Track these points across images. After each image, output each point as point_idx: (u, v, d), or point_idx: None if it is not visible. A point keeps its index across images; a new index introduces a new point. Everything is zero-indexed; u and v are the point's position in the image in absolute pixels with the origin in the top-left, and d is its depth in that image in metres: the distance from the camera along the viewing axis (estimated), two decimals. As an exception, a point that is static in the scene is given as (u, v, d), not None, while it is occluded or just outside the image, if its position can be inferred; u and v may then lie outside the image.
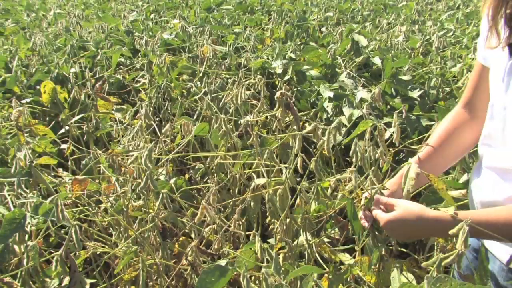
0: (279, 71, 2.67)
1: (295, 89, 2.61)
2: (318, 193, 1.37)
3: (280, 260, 1.39)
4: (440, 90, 2.52)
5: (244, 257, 1.17)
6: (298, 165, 1.37)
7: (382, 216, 1.16)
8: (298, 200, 1.52)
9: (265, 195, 1.49)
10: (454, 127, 1.35)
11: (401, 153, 2.13)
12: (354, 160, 1.32)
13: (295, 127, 1.44)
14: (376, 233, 1.26)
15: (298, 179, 1.74)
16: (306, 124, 2.31)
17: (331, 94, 2.31)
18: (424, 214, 1.10)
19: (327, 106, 2.33)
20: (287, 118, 1.69)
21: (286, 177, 1.39)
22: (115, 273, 1.50)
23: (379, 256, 1.26)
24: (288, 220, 1.41)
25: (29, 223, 1.28)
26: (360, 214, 1.28)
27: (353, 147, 1.33)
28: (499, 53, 1.13)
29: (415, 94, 2.40)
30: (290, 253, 1.39)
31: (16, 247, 1.34)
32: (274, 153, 1.97)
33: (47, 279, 1.30)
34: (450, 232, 0.99)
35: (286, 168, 1.43)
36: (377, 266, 1.30)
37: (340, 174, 1.46)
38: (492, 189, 1.18)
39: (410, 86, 2.45)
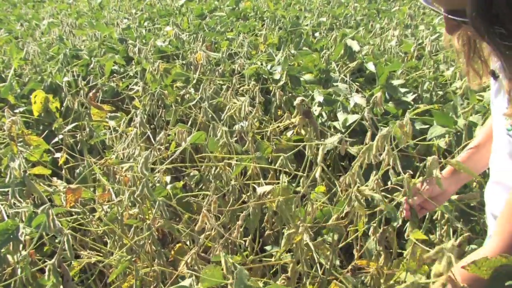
0: (277, 76, 2.67)
1: (289, 94, 2.61)
2: (351, 199, 1.36)
3: (289, 269, 1.38)
4: (434, 93, 2.53)
5: (207, 276, 1.10)
6: (317, 175, 1.36)
7: None
8: (309, 208, 1.51)
9: (268, 203, 1.47)
10: None
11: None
12: (386, 159, 1.31)
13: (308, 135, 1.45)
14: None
15: (293, 184, 1.74)
16: (302, 131, 2.31)
17: (321, 98, 2.31)
18: None
19: (315, 111, 2.33)
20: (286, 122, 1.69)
21: (302, 185, 1.39)
22: (109, 281, 1.49)
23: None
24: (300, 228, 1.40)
25: (23, 232, 1.27)
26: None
27: (386, 147, 1.31)
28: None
29: (409, 98, 2.41)
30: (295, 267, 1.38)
31: (9, 256, 1.33)
32: (269, 159, 1.98)
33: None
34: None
35: (301, 176, 1.42)
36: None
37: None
38: (500, 205, 1.18)
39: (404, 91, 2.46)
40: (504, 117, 1.04)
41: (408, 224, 1.30)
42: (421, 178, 1.31)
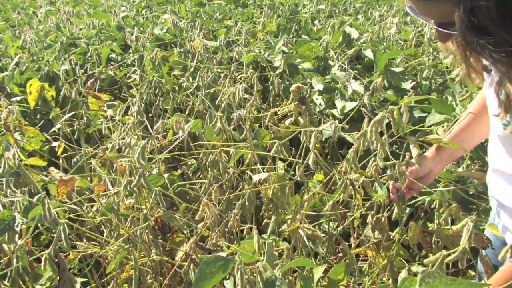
0: (277, 64, 2.65)
1: (288, 82, 2.59)
2: (347, 186, 1.36)
3: (284, 255, 1.39)
4: (433, 81, 2.51)
5: (243, 251, 1.15)
6: (310, 161, 1.35)
7: None
8: (305, 196, 1.50)
9: (263, 190, 1.47)
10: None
11: (394, 145, 2.12)
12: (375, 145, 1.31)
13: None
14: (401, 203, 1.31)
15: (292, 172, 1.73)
16: (300, 118, 2.30)
17: (321, 87, 2.29)
18: None
19: (316, 99, 2.31)
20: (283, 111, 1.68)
21: (297, 172, 1.38)
22: (107, 272, 1.48)
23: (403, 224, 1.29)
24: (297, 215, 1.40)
25: (19, 222, 1.27)
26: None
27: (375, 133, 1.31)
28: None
29: (408, 85, 2.39)
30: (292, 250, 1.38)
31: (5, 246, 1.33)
32: (267, 147, 1.97)
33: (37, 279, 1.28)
34: (454, 228, 1.00)
35: (297, 163, 1.41)
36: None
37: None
38: (501, 191, 1.19)
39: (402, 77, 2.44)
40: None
41: (395, 206, 1.31)
42: (406, 159, 1.31)
